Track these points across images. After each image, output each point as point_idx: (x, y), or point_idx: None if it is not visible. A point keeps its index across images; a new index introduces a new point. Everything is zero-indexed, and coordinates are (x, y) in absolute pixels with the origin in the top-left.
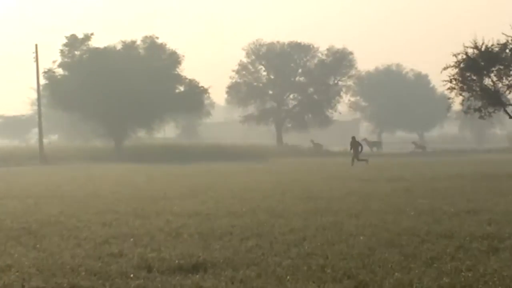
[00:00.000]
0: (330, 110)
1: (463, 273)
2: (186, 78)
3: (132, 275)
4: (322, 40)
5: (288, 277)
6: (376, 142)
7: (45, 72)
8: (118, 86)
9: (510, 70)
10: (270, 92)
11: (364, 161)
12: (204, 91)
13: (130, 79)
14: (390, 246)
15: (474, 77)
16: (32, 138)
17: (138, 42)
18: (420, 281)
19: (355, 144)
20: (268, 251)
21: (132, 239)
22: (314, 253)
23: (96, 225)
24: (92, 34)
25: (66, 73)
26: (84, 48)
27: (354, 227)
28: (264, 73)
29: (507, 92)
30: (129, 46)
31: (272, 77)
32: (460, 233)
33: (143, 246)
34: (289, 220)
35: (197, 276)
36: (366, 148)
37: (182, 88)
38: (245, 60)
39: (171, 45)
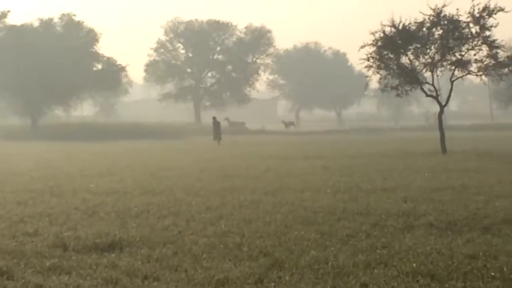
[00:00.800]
0: (248, 88)
1: (378, 250)
2: (104, 56)
3: (47, 254)
4: (241, 19)
5: (204, 256)
6: (290, 122)
7: None
8: (34, 64)
9: (427, 48)
10: (189, 70)
11: (218, 140)
12: (122, 69)
13: (47, 57)
14: (306, 224)
15: (391, 56)
16: None
17: (56, 20)
18: (336, 258)
19: (216, 124)
20: (185, 229)
21: (47, 218)
22: (231, 231)
23: (11, 204)
24: (8, 11)
25: None
26: (0, 25)
27: (271, 205)
28: (183, 51)
29: (424, 70)
30: (47, 24)
31: (190, 55)
32: (376, 210)
33: (59, 225)
34: (206, 198)
35: (113, 254)
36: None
37: (99, 66)
38: (163, 38)
39: (88, 22)
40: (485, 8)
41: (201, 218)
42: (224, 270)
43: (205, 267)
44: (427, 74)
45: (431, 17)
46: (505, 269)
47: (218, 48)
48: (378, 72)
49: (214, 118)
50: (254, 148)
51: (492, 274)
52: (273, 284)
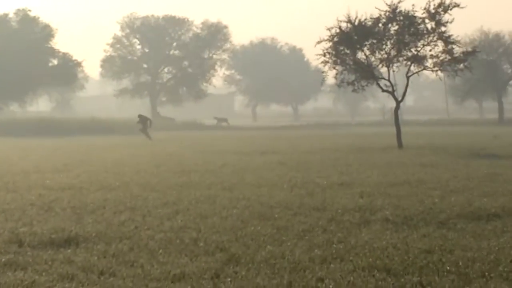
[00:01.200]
0: (204, 84)
1: (334, 245)
2: (59, 52)
3: (2, 250)
4: (197, 15)
5: (160, 251)
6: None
7: None
8: None
9: (383, 44)
10: (145, 65)
11: (145, 136)
12: (78, 64)
13: (2, 53)
14: (263, 219)
15: (348, 51)
16: None
17: (11, 15)
18: (292, 253)
19: (143, 120)
20: (141, 224)
21: (3, 214)
22: (187, 227)
23: None
24: None
25: None
26: None
27: (227, 200)
28: (139, 47)
29: (380, 65)
30: (1, 19)
31: (146, 50)
32: (332, 205)
33: (14, 221)
34: (162, 193)
35: (69, 250)
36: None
37: (55, 62)
38: (119, 33)
39: (44, 18)
40: (441, 4)
41: (158, 213)
42: (181, 265)
43: (161, 262)
44: (383, 70)
45: (387, 13)
46: (460, 263)
47: (175, 44)
48: (334, 68)
49: (139, 115)
50: (210, 143)
51: (448, 268)
52: (229, 279)
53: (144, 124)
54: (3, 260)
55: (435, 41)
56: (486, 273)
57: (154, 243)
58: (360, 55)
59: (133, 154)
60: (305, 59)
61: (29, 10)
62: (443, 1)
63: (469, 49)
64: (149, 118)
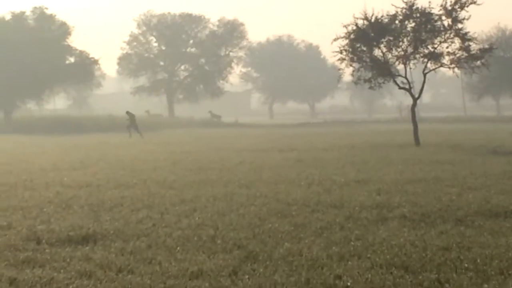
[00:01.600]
0: (221, 81)
1: (352, 243)
2: (76, 49)
3: (21, 248)
4: (214, 13)
5: (178, 248)
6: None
7: None
8: (6, 57)
9: (400, 41)
10: (162, 63)
11: (129, 134)
12: (95, 62)
13: (19, 50)
14: (280, 216)
15: (364, 48)
16: None
17: (28, 13)
18: (310, 250)
19: (132, 117)
20: (159, 222)
21: (21, 211)
22: (205, 224)
23: None
24: None
25: None
26: None
27: (245, 198)
28: (155, 44)
29: (397, 63)
30: (18, 17)
31: (163, 48)
32: (349, 203)
33: (32, 218)
34: (180, 191)
35: (87, 247)
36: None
37: (72, 59)
38: (136, 31)
39: (60, 16)
40: (457, 1)
41: (175, 211)
42: (198, 263)
43: (179, 259)
44: (400, 67)
45: (404, 10)
46: (478, 261)
47: (191, 41)
48: (351, 65)
49: (127, 112)
50: (227, 141)
51: (466, 265)
52: (247, 277)
53: (132, 121)
54: (21, 257)
55: (451, 38)
56: (504, 271)
57: (172, 241)
58: (377, 52)
59: (150, 151)
60: (322, 56)
61: (46, 8)
62: None
63: (486, 46)
64: (134, 115)
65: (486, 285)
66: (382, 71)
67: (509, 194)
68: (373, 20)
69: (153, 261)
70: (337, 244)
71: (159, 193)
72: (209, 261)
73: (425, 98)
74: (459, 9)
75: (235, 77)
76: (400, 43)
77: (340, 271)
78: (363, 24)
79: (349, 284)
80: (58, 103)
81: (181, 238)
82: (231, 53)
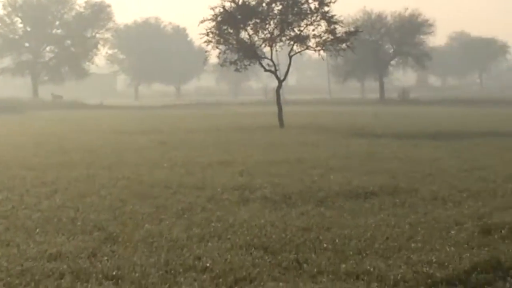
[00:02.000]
0: (87, 63)
1: (213, 224)
2: None
3: None
4: None
5: (37, 230)
6: (58, 95)
7: None
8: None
9: (266, 23)
10: (27, 44)
11: None
12: None
13: None
14: (142, 198)
15: (231, 31)
16: None
17: None
18: (170, 231)
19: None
20: (18, 204)
21: None
22: (65, 206)
23: None
24: None
25: None
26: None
27: (106, 180)
28: (21, 25)
29: (263, 45)
30: None
31: (28, 29)
32: (212, 184)
33: None
34: (41, 172)
35: None
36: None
37: None
38: (1, 12)
39: None
40: None
41: (36, 193)
42: (57, 244)
43: (38, 241)
44: (266, 49)
45: None
46: (337, 241)
47: (57, 23)
48: (217, 47)
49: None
50: (92, 122)
51: (325, 245)
52: (106, 258)
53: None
54: None
55: (318, 21)
56: (362, 250)
57: (31, 223)
58: (244, 35)
59: (12, 133)
60: (189, 38)
61: None
62: None
63: (352, 29)
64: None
65: (343, 265)
66: (248, 54)
67: (370, 175)
68: (240, 2)
69: (11, 244)
70: (198, 225)
71: (19, 175)
72: (68, 243)
73: (291, 80)
74: None
75: (101, 59)
76: (267, 26)
77: (200, 252)
78: (231, 7)
79: (208, 265)
80: None
81: (41, 220)
82: (97, 35)
